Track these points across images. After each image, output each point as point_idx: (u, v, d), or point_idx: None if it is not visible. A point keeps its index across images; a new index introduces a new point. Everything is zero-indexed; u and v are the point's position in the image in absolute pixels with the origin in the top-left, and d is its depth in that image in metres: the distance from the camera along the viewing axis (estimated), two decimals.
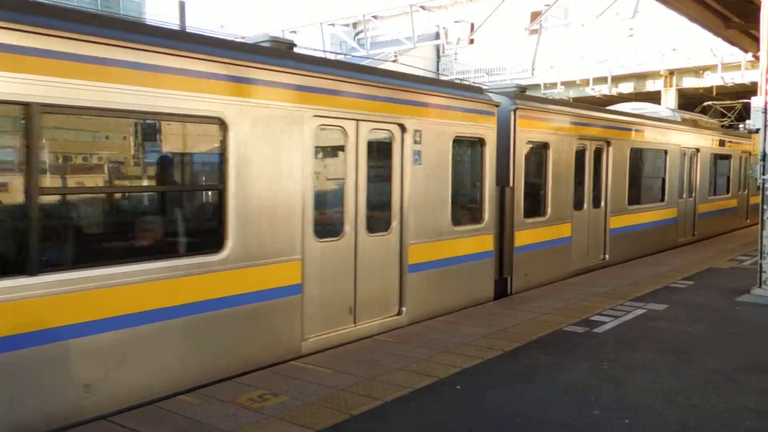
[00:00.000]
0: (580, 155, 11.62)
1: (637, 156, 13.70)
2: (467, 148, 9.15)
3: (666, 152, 14.87)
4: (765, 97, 9.33)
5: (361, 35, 28.08)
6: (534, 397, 5.49)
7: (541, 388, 5.69)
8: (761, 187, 9.42)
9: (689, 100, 27.16)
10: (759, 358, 6.64)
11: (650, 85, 27.55)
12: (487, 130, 9.07)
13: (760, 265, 9.50)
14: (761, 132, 9.37)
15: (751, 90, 15.78)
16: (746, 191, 20.52)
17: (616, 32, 26.29)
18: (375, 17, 26.42)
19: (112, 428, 4.77)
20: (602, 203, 12.43)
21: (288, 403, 5.26)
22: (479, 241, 9.02)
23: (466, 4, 31.62)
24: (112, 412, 5.00)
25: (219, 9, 68.62)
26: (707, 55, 24.72)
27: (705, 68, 25.70)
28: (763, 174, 9.37)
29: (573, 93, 28.50)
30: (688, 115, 18.35)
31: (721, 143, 18.39)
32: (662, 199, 14.91)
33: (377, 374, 5.98)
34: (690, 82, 26.77)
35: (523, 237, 9.97)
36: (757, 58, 13.85)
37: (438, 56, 34.18)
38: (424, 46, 26.74)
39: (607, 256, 12.56)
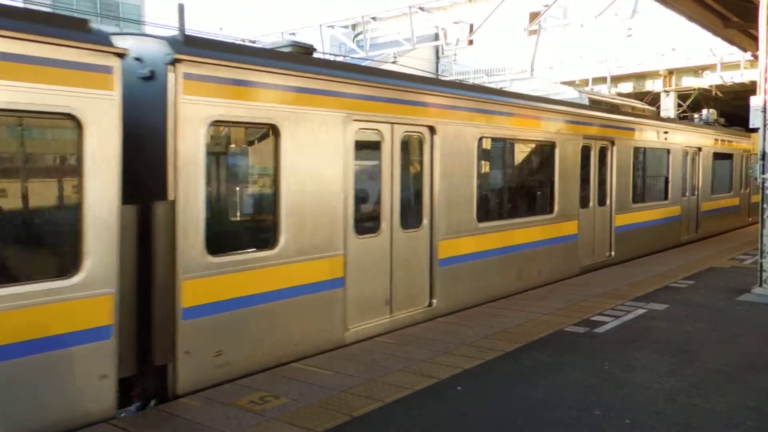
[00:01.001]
0: (366, 147, 7.68)
1: (499, 151, 10.15)
2: (31, 134, 5.11)
3: (554, 145, 10.97)
4: (764, 96, 9.36)
5: (360, 37, 28.12)
6: (535, 397, 5.50)
7: (542, 389, 5.69)
8: (761, 186, 9.45)
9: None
10: (760, 357, 6.65)
11: (649, 85, 27.57)
12: (86, 99, 4.97)
13: (761, 264, 9.52)
14: (761, 131, 9.41)
15: (750, 89, 15.79)
16: (695, 196, 17.01)
17: (615, 32, 26.30)
18: (374, 19, 26.43)
19: (114, 431, 4.78)
20: (424, 221, 8.36)
21: (289, 404, 5.27)
22: (62, 311, 4.82)
23: (465, 5, 31.59)
24: None
25: (218, 11, 68.76)
26: (706, 54, 24.72)
27: (704, 68, 25.70)
28: (763, 173, 9.39)
29: None
30: (605, 98, 15.00)
31: (658, 135, 14.70)
32: (550, 211, 11.01)
33: (378, 375, 5.98)
34: (689, 82, 26.78)
35: (208, 289, 5.84)
36: (756, 57, 13.89)
37: (437, 57, 34.21)
38: (424, 47, 26.75)
39: (434, 301, 8.44)
